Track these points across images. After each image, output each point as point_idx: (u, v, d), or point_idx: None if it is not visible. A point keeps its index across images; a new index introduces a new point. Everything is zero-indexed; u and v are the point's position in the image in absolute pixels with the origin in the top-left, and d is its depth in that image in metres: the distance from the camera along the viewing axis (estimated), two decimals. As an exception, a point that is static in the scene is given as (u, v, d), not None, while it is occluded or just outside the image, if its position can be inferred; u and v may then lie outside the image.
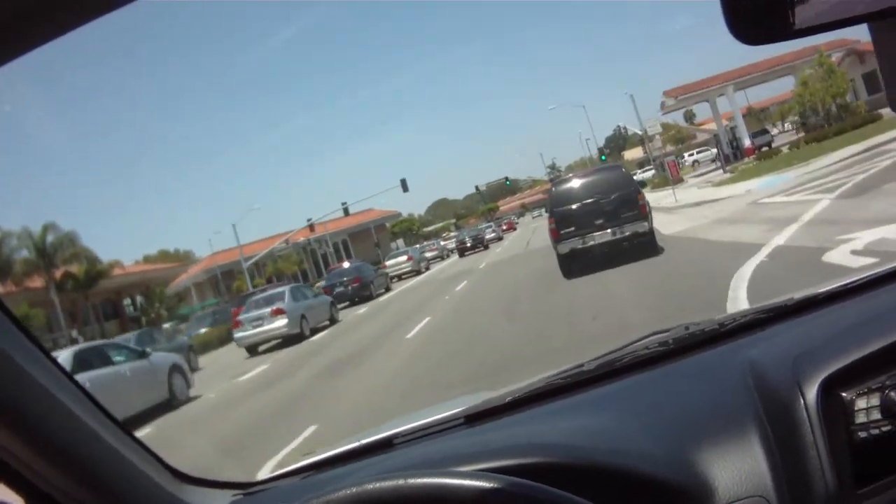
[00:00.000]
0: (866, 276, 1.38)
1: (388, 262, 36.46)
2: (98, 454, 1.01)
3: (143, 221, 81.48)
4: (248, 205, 62.94)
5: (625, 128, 52.99)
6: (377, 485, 0.81)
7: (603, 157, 35.88)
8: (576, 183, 13.24)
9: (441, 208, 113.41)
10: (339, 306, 25.33)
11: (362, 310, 22.73)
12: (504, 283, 16.29)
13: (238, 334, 17.83)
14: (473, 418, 1.38)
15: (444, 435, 1.35)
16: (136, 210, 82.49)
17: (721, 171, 32.61)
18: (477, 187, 58.28)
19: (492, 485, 0.80)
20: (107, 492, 1.01)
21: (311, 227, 41.98)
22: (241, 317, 18.02)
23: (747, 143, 35.99)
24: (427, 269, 36.86)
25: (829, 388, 0.95)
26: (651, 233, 12.51)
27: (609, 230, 12.40)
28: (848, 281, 1.39)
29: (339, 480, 1.09)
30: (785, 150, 28.99)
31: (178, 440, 8.72)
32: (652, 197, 13.47)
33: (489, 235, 47.19)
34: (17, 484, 0.94)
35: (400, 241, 58.10)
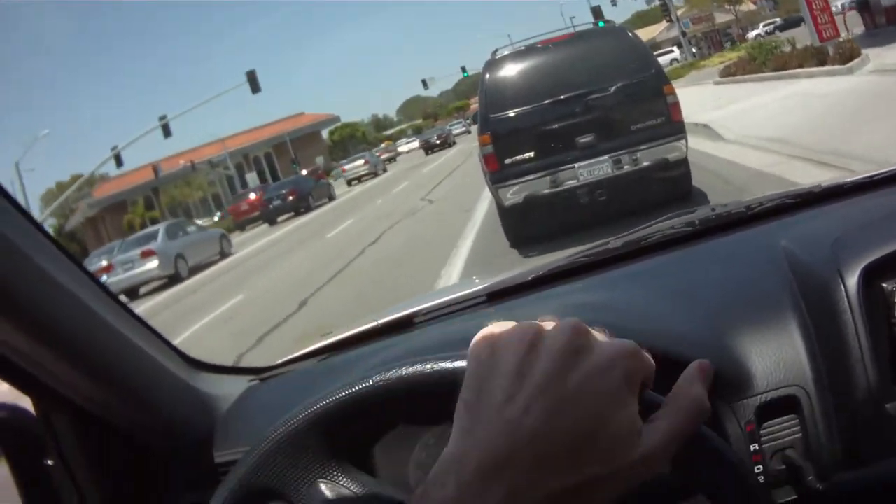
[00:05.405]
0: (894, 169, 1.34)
1: (346, 166, 37.10)
2: (108, 344, 0.96)
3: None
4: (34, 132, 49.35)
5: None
6: (384, 376, 0.72)
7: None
8: (533, 62, 6.46)
9: (412, 107, 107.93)
10: (281, 218, 26.02)
11: (276, 233, 21.48)
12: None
13: (110, 279, 16.01)
14: (496, 296, 1.35)
15: (466, 313, 1.34)
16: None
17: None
18: (423, 81, 52.85)
19: None
20: (118, 384, 0.97)
21: (117, 159, 26.44)
22: (114, 259, 16.90)
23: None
24: (385, 171, 37.19)
25: (869, 278, 0.93)
26: (686, 162, 6.39)
27: (606, 157, 6.12)
28: (876, 172, 1.34)
29: (356, 362, 1.14)
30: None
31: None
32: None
33: (457, 131, 49.38)
34: (22, 382, 0.88)
35: (320, 159, 48.38)
